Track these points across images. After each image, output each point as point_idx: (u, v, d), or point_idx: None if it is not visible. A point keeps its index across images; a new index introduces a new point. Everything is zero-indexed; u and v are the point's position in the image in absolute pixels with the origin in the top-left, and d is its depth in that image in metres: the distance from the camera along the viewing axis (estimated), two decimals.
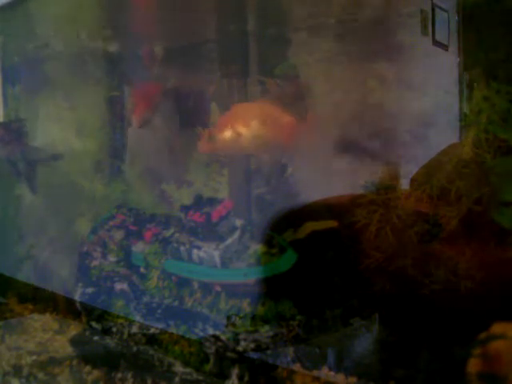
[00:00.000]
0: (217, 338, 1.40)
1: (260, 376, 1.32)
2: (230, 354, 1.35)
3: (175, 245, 1.59)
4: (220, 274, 1.51)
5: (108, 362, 1.53)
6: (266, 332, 1.36)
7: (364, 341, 1.29)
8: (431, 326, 1.18)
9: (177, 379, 1.41)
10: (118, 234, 1.75)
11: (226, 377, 1.35)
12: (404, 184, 1.28)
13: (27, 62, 2.18)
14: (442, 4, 1.23)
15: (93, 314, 1.69)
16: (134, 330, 1.57)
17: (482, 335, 1.07)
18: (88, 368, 1.54)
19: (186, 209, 1.60)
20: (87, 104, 2.00)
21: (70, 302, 1.81)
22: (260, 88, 1.58)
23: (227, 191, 1.68)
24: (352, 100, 1.41)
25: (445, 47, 1.24)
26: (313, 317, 1.36)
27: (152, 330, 1.55)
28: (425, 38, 1.25)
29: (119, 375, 1.48)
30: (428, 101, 1.29)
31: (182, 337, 1.49)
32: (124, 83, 1.90)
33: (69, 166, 2.04)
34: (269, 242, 1.49)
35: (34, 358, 1.61)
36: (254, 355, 1.33)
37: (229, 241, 1.52)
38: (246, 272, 1.49)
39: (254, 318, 1.41)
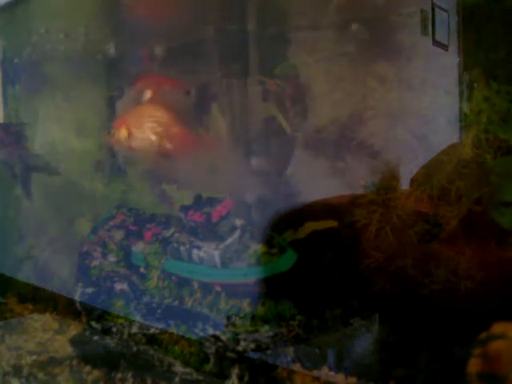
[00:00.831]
0: (217, 338, 1.40)
1: (260, 376, 1.32)
2: (229, 354, 1.35)
3: (175, 245, 1.59)
4: (220, 274, 1.51)
5: (108, 361, 1.53)
6: (265, 332, 1.36)
7: (364, 341, 1.29)
8: (431, 325, 1.18)
9: (177, 379, 1.41)
10: (118, 234, 1.75)
11: (226, 377, 1.35)
12: (404, 184, 1.28)
13: (27, 62, 2.18)
14: (442, 4, 1.23)
15: (93, 314, 1.69)
16: (134, 330, 1.57)
17: (482, 335, 1.07)
18: (88, 368, 1.54)
19: (185, 209, 1.60)
20: (87, 104, 2.00)
21: (70, 301, 1.81)
22: (260, 88, 1.58)
23: (227, 191, 1.67)
24: (352, 100, 1.41)
25: (445, 47, 1.24)
26: (313, 317, 1.36)
27: (152, 330, 1.55)
28: (425, 37, 1.25)
29: (119, 375, 1.48)
30: (428, 101, 1.29)
31: (182, 337, 1.49)
32: (124, 83, 1.90)
33: (69, 166, 2.03)
34: (269, 242, 1.49)
35: (34, 357, 1.61)
36: (254, 355, 1.33)
37: (229, 241, 1.52)
38: (246, 272, 1.49)
39: (253, 318, 1.41)
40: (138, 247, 1.69)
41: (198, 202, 1.60)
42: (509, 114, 1.13)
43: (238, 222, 1.56)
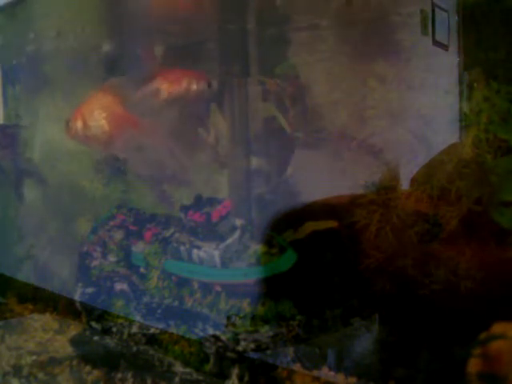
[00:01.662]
0: (217, 338, 1.40)
1: (260, 376, 1.32)
2: (229, 354, 1.35)
3: (175, 245, 1.59)
4: (220, 273, 1.51)
5: (108, 361, 1.53)
6: (265, 332, 1.36)
7: (364, 341, 1.29)
8: (431, 325, 1.18)
9: (177, 379, 1.41)
10: (118, 234, 1.75)
11: (226, 377, 1.35)
12: (404, 184, 1.28)
13: (27, 62, 2.18)
14: (442, 4, 1.23)
15: (93, 314, 1.69)
16: (134, 329, 1.57)
17: (482, 335, 1.07)
18: (88, 368, 1.54)
19: (185, 209, 1.60)
20: None
21: (70, 301, 1.81)
22: (260, 88, 1.58)
23: (227, 191, 1.68)
24: (352, 100, 1.41)
25: (445, 47, 1.24)
26: (313, 317, 1.36)
27: (152, 330, 1.55)
28: (425, 37, 1.25)
29: (119, 375, 1.48)
30: (428, 101, 1.29)
31: (182, 337, 1.49)
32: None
33: (69, 165, 2.04)
34: (269, 242, 1.49)
35: (34, 358, 1.61)
36: (254, 355, 1.33)
37: (229, 241, 1.52)
38: (246, 272, 1.49)
39: (253, 318, 1.41)
40: (138, 247, 1.69)
41: (198, 202, 1.60)
42: (509, 113, 1.13)
43: (238, 222, 1.56)
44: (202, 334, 1.47)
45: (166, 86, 1.63)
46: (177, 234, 1.62)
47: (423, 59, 1.29)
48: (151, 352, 1.49)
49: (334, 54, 1.45)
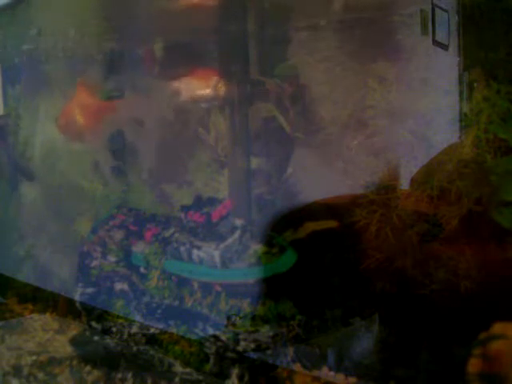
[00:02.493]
0: (217, 338, 1.40)
1: (260, 376, 1.32)
2: (230, 354, 1.35)
3: (175, 245, 1.59)
4: (220, 274, 1.51)
5: (108, 361, 1.53)
6: (265, 332, 1.36)
7: (364, 341, 1.29)
8: (431, 325, 1.18)
9: (177, 379, 1.41)
10: (118, 234, 1.75)
11: (226, 377, 1.35)
12: (404, 184, 1.28)
13: (27, 62, 2.18)
14: (442, 4, 1.23)
15: (93, 314, 1.69)
16: (134, 329, 1.57)
17: (482, 335, 1.07)
18: (88, 368, 1.54)
19: (186, 209, 1.60)
20: None
21: (70, 302, 1.81)
22: (260, 88, 1.58)
23: (227, 191, 1.67)
24: (352, 100, 1.41)
25: (445, 47, 1.24)
26: (313, 317, 1.36)
27: (152, 330, 1.55)
28: (425, 37, 1.25)
29: (119, 375, 1.48)
30: (428, 101, 1.29)
31: (182, 337, 1.49)
32: (124, 83, 1.90)
33: (69, 166, 2.03)
34: (269, 242, 1.49)
35: (34, 358, 1.61)
36: (253, 355, 1.33)
37: (229, 241, 1.52)
38: (246, 272, 1.49)
39: (254, 318, 1.41)
40: (138, 247, 1.69)
41: (198, 202, 1.60)
42: (509, 113, 1.13)
43: (238, 222, 1.56)
44: (201, 334, 1.47)
45: (195, 83, 1.65)
46: (177, 234, 1.62)
47: (423, 59, 1.29)
48: (151, 352, 1.49)
49: (333, 53, 1.44)
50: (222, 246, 1.51)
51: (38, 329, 1.80)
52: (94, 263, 1.76)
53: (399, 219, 1.25)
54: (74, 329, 1.74)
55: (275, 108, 1.54)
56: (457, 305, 1.16)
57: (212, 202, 1.59)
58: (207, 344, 1.40)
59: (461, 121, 1.20)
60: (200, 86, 1.64)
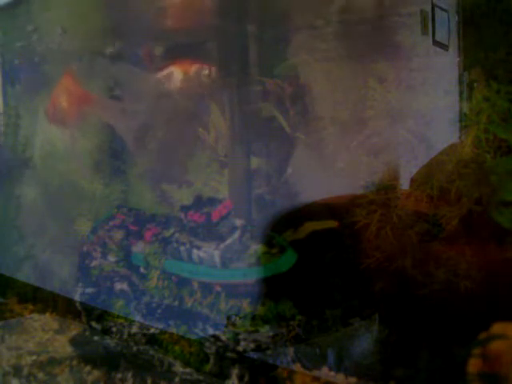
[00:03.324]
0: (217, 338, 1.40)
1: (260, 376, 1.32)
2: (229, 354, 1.35)
3: (175, 245, 1.59)
4: (220, 274, 1.51)
5: (108, 361, 1.53)
6: (266, 332, 1.36)
7: (364, 341, 1.29)
8: (431, 325, 1.18)
9: (177, 379, 1.41)
10: (118, 234, 1.75)
11: (226, 377, 1.35)
12: (404, 184, 1.28)
13: (27, 62, 2.19)
14: (442, 4, 1.23)
15: (93, 314, 1.69)
16: (134, 329, 1.57)
17: (482, 335, 1.07)
18: (88, 368, 1.54)
19: (186, 209, 1.60)
20: None
21: (70, 301, 1.81)
22: (260, 88, 1.58)
23: (227, 191, 1.67)
24: (352, 100, 1.41)
25: (445, 47, 1.24)
26: (313, 317, 1.36)
27: (152, 330, 1.55)
28: (425, 37, 1.25)
29: (119, 375, 1.48)
30: (428, 101, 1.29)
31: (182, 337, 1.49)
32: (124, 83, 1.90)
33: (69, 165, 2.04)
34: (269, 242, 1.49)
35: (34, 358, 1.61)
36: (254, 355, 1.33)
37: (229, 241, 1.52)
38: (246, 272, 1.49)
39: (254, 318, 1.41)
40: (138, 247, 1.69)
41: (198, 202, 1.60)
42: (509, 113, 1.13)
43: (238, 222, 1.56)
44: (201, 334, 1.47)
45: (177, 70, 1.66)
46: (177, 234, 1.62)
47: (423, 59, 1.29)
48: (151, 352, 1.49)
49: (333, 53, 1.45)
50: (222, 246, 1.51)
51: (37, 329, 1.80)
52: (94, 263, 1.76)
53: (399, 219, 1.25)
54: (74, 329, 1.74)
55: (275, 108, 1.54)
56: (457, 305, 1.16)
57: (212, 202, 1.59)
58: (207, 344, 1.40)
59: (461, 121, 1.20)
60: (184, 76, 1.66)
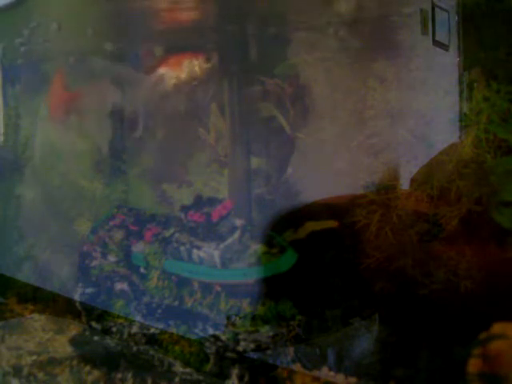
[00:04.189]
0: (217, 338, 1.40)
1: (260, 376, 1.32)
2: (229, 354, 1.35)
3: (175, 245, 1.59)
4: (220, 274, 1.51)
5: (108, 361, 1.53)
6: (266, 332, 1.36)
7: (364, 341, 1.29)
8: (431, 325, 1.18)
9: (177, 379, 1.41)
10: (118, 234, 1.75)
11: (226, 377, 1.35)
12: (404, 184, 1.28)
13: (27, 61, 2.18)
14: (442, 4, 1.23)
15: (93, 314, 1.69)
16: (134, 329, 1.57)
17: (482, 335, 1.07)
18: (88, 368, 1.54)
19: (186, 209, 1.60)
20: None
21: (70, 302, 1.81)
22: (260, 88, 1.58)
23: (227, 191, 1.68)
24: (352, 100, 1.41)
25: (445, 47, 1.24)
26: (313, 317, 1.36)
27: (152, 330, 1.55)
28: (425, 37, 1.25)
29: (119, 375, 1.48)
30: (428, 101, 1.29)
31: (182, 337, 1.49)
32: (123, 83, 1.90)
33: (69, 165, 2.04)
34: (269, 242, 1.49)
35: (34, 358, 1.61)
36: (254, 355, 1.33)
37: (229, 241, 1.52)
38: (246, 272, 1.49)
39: (254, 318, 1.41)
40: (138, 247, 1.69)
41: (198, 202, 1.60)
42: (509, 113, 1.13)
43: (238, 222, 1.56)
44: (202, 334, 1.47)
45: (167, 71, 1.67)
46: (177, 234, 1.62)
47: (423, 59, 1.29)
48: (151, 352, 1.49)
49: (333, 53, 1.45)
50: (221, 245, 1.51)
51: (38, 329, 1.80)
52: (94, 263, 1.76)
53: (399, 219, 1.25)
54: (74, 329, 1.74)
55: (275, 108, 1.55)
56: (457, 305, 1.16)
57: (212, 202, 1.59)
58: (207, 344, 1.40)
59: (461, 121, 1.20)
60: (183, 76, 1.67)
